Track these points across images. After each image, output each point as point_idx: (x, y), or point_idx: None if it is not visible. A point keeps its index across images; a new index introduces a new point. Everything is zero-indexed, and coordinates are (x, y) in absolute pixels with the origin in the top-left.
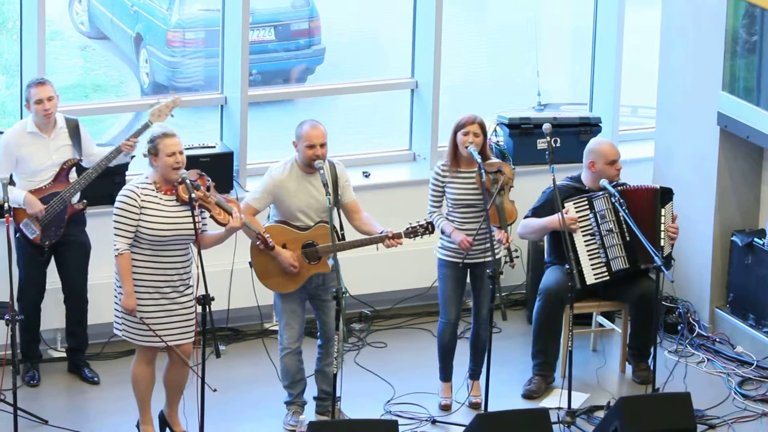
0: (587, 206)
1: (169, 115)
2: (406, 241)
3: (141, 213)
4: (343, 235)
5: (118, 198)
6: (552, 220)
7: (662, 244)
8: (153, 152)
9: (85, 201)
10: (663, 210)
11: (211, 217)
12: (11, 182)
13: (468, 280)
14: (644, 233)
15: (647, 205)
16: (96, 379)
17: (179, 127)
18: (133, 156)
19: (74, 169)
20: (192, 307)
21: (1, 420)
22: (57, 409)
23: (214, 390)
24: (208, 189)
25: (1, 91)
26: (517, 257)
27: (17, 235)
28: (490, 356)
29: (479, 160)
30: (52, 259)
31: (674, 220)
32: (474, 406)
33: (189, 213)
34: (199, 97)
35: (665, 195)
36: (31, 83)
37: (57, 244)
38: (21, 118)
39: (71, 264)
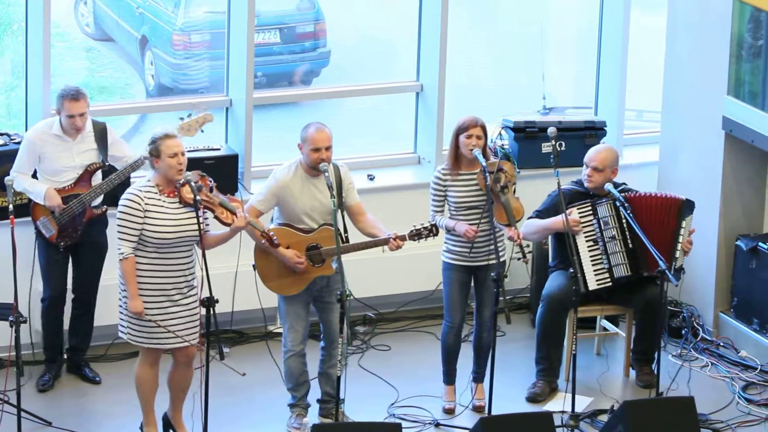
0: (591, 212)
1: (199, 130)
2: (410, 244)
3: (145, 216)
4: (347, 237)
5: (121, 202)
6: (555, 221)
7: (677, 255)
8: (155, 154)
9: (105, 207)
10: (684, 222)
11: (215, 217)
12: (34, 176)
13: (472, 284)
14: (663, 242)
15: (671, 215)
16: (98, 378)
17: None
18: None
19: (99, 173)
20: (196, 309)
21: (5, 422)
22: (60, 410)
23: (243, 374)
24: (210, 190)
25: (7, 92)
26: (529, 252)
27: (35, 232)
28: (494, 360)
29: (484, 163)
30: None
31: (691, 234)
32: (478, 409)
33: (192, 214)
34: (204, 100)
35: (687, 207)
36: (65, 94)
37: (76, 244)
38: (27, 119)
39: (86, 264)
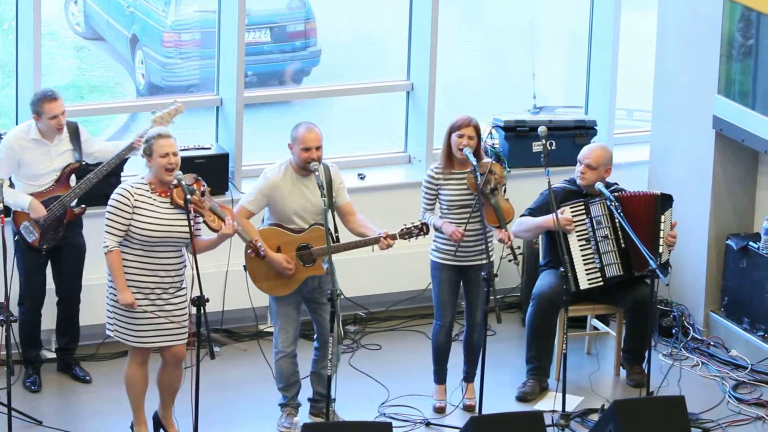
0: (584, 211)
1: (171, 122)
2: (400, 243)
3: (133, 212)
4: (337, 237)
5: (112, 196)
6: (547, 219)
7: (660, 251)
8: (148, 153)
9: (83, 206)
10: (663, 217)
11: (204, 222)
12: (11, 184)
13: (461, 283)
14: (642, 240)
15: (647, 212)
16: (88, 377)
17: (174, 128)
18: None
19: (73, 174)
20: (185, 309)
21: None
22: (51, 409)
23: (245, 350)
24: (203, 194)
25: None
26: (520, 254)
27: (16, 238)
28: (484, 359)
29: (474, 162)
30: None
31: (673, 227)
32: (468, 408)
33: (181, 216)
34: (194, 99)
35: (665, 201)
36: (42, 97)
37: (54, 247)
38: (17, 118)
39: (67, 266)
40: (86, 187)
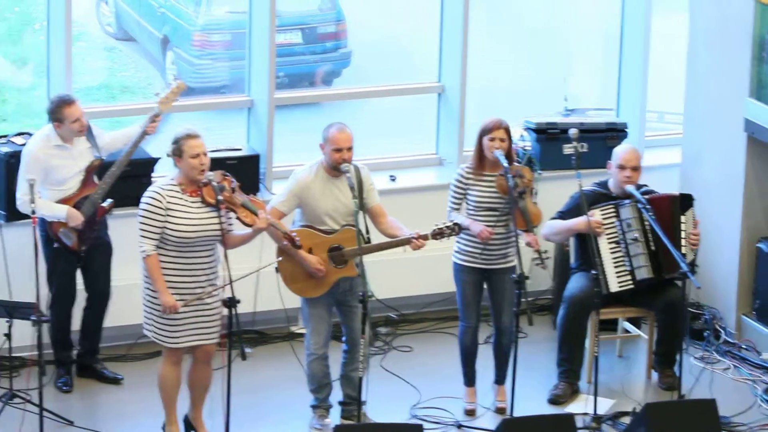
0: (614, 213)
1: (175, 100)
2: (432, 244)
3: (167, 214)
4: (368, 238)
5: (143, 199)
6: (577, 222)
7: (683, 251)
8: (177, 153)
9: (112, 201)
10: (683, 217)
11: (237, 218)
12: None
13: (485, 286)
14: (669, 240)
15: (666, 213)
16: (119, 376)
17: (206, 129)
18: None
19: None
20: (217, 308)
21: (28, 421)
22: (82, 410)
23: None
24: (233, 190)
25: (29, 92)
26: (547, 258)
27: (55, 245)
28: (516, 361)
29: (506, 165)
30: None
31: (696, 226)
32: (500, 410)
33: (213, 214)
34: (225, 100)
35: (685, 201)
36: (61, 102)
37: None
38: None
39: (96, 265)
40: (111, 181)
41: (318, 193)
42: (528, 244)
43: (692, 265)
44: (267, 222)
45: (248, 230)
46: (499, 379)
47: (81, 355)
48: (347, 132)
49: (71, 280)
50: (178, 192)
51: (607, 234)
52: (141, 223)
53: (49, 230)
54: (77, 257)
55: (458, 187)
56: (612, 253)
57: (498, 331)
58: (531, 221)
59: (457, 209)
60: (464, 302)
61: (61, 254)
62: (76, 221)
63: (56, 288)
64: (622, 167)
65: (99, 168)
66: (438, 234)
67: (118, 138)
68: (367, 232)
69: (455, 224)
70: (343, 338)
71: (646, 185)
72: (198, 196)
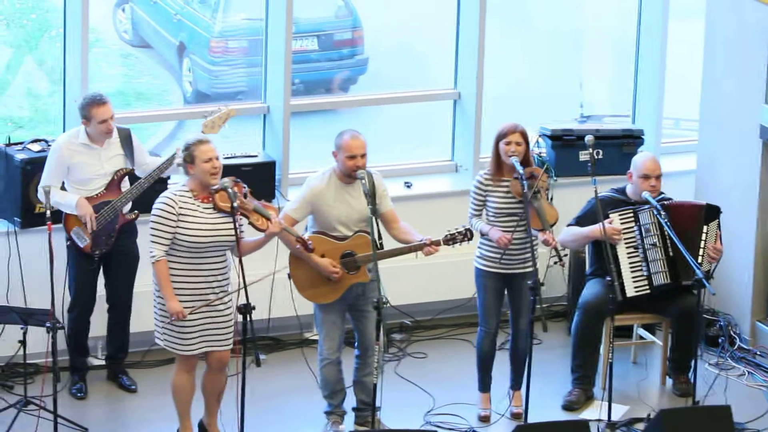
0: (632, 219)
1: (222, 126)
2: (446, 250)
3: (179, 220)
4: (381, 244)
5: (155, 205)
6: (594, 229)
7: (700, 261)
8: (189, 160)
9: (136, 211)
10: (706, 227)
11: (250, 223)
12: (62, 188)
13: (506, 292)
14: (688, 249)
15: (690, 221)
16: (134, 387)
17: (221, 136)
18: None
19: (126, 178)
20: (230, 314)
21: (42, 427)
22: (97, 417)
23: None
24: (245, 196)
25: (45, 98)
26: (565, 255)
27: (68, 243)
28: (530, 367)
29: (521, 170)
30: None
31: (717, 239)
32: (515, 416)
33: (226, 220)
34: (241, 106)
35: (711, 213)
36: (92, 101)
37: (107, 254)
38: (65, 125)
39: (118, 274)
40: (137, 192)
41: (330, 200)
42: (545, 242)
43: (707, 274)
44: (280, 226)
45: (260, 236)
46: (515, 385)
47: (105, 360)
48: (361, 139)
49: (89, 286)
50: (190, 198)
51: (626, 238)
52: (153, 228)
53: (64, 226)
54: (91, 260)
55: (478, 194)
56: (630, 257)
57: (514, 335)
58: (546, 220)
59: (478, 215)
60: (485, 307)
61: (81, 259)
62: (84, 211)
63: (74, 293)
64: (646, 177)
65: (126, 176)
66: (450, 240)
67: (155, 165)
68: (380, 237)
69: (467, 230)
70: (356, 344)
71: (663, 193)
72: (210, 202)
